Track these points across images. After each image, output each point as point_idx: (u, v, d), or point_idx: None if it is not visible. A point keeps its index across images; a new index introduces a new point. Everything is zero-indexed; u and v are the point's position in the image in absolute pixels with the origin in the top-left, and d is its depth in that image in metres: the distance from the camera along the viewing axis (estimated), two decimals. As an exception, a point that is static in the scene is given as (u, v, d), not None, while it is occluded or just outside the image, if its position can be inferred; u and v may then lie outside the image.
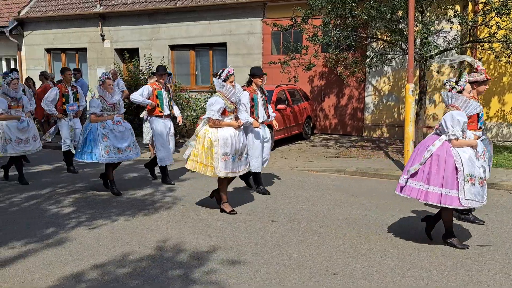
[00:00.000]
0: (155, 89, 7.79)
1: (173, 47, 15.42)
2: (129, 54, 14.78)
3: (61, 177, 8.51)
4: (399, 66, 12.52)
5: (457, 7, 10.46)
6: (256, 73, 7.04)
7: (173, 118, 8.09)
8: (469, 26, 10.05)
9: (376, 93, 13.08)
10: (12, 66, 18.40)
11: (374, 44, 12.04)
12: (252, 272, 4.34)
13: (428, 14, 10.04)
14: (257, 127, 6.82)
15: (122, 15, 15.67)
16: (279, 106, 11.35)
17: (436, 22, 10.23)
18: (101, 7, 15.97)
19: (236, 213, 6.13)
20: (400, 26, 10.01)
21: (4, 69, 18.24)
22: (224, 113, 5.93)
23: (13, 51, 17.87)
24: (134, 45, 15.72)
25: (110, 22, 16.05)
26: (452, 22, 10.10)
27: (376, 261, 4.60)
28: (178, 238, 5.25)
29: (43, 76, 12.61)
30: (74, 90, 8.82)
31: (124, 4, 15.73)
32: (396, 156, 10.03)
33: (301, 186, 7.49)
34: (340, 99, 13.66)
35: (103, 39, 16.21)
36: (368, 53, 11.73)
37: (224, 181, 6.16)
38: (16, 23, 17.15)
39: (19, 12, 17.26)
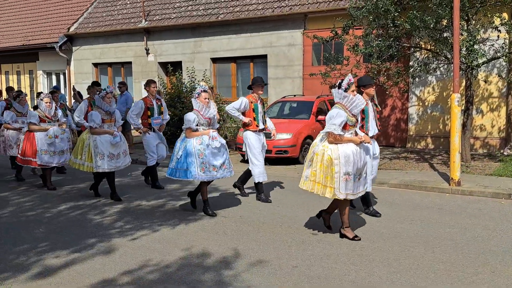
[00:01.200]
0: (252, 102, 7.44)
1: (214, 60, 15.67)
2: (172, 67, 15.13)
3: (105, 188, 8.76)
4: (444, 76, 12.19)
5: (505, 15, 10.12)
6: (366, 82, 6.32)
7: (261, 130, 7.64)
8: (518, 34, 9.70)
9: (420, 104, 12.78)
10: (61, 81, 19.23)
11: (417, 54, 11.80)
12: (293, 286, 4.30)
13: (473, 22, 9.77)
14: (369, 143, 5.90)
15: (166, 29, 16.09)
16: (320, 117, 11.28)
17: (482, 30, 9.92)
18: (146, 22, 16.46)
19: (359, 239, 5.50)
20: (445, 35, 9.77)
21: (55, 83, 19.09)
22: (345, 127, 5.33)
23: (62, 65, 18.68)
24: (177, 58, 16.08)
25: (154, 37, 16.51)
26: (499, 30, 9.78)
27: (422, 277, 4.46)
28: (217, 250, 5.28)
29: (93, 89, 13.04)
30: (159, 103, 8.50)
31: (168, 18, 16.16)
32: (441, 168, 9.73)
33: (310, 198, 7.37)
34: (383, 109, 13.43)
35: (147, 53, 16.68)
36: (411, 63, 11.50)
37: (345, 203, 5.50)
38: (65, 39, 17.94)
39: (68, 29, 18.04)
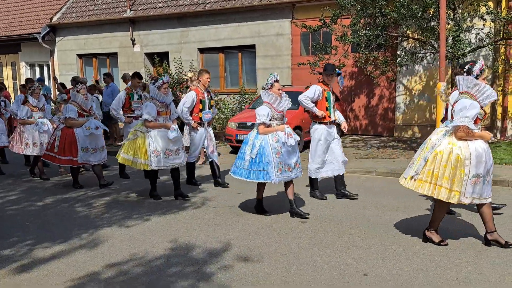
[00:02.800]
0: (325, 90, 6.71)
1: (202, 50, 15.59)
2: (158, 58, 15.02)
3: (93, 180, 8.72)
4: (431, 65, 12.28)
5: (490, 4, 10.19)
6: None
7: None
8: (502, 23, 9.79)
9: (407, 93, 12.87)
10: (45, 72, 18.98)
11: (404, 43, 11.87)
12: (282, 273, 4.34)
13: (460, 11, 9.83)
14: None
15: (152, 19, 15.94)
16: (308, 107, 11.30)
17: (468, 19, 10.00)
18: (131, 12, 16.29)
19: (447, 244, 4.92)
20: (432, 24, 9.83)
21: (38, 75, 18.84)
22: (475, 121, 4.65)
23: (46, 57, 18.42)
24: (164, 49, 15.96)
25: (140, 27, 16.35)
26: (485, 19, 9.86)
27: (407, 262, 4.53)
28: (207, 240, 5.30)
29: (75, 81, 12.89)
30: (209, 96, 7.79)
31: (154, 8, 16.01)
32: (427, 156, 9.83)
33: (331, 187, 7.43)
34: (371, 99, 13.51)
35: (133, 44, 16.53)
36: (398, 52, 11.56)
37: (445, 206, 4.90)
38: (48, 29, 17.67)
39: (51, 19, 17.78)
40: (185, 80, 9.30)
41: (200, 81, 7.66)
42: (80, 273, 4.45)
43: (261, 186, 6.17)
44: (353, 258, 4.65)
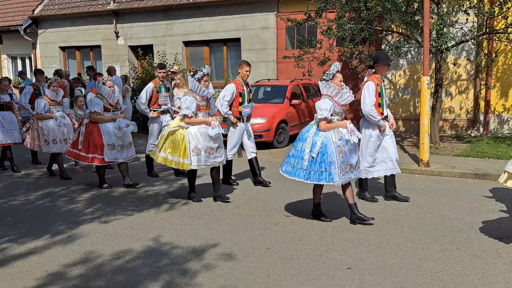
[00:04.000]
0: (377, 85, 6.14)
1: (187, 43, 15.47)
2: (142, 51, 14.86)
3: (76, 175, 8.62)
4: (415, 59, 12.36)
5: (474, -2, 10.26)
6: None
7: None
8: (485, 17, 9.88)
9: (392, 87, 12.94)
10: (27, 65, 18.66)
11: (389, 37, 11.91)
12: (266, 267, 4.34)
13: (444, 5, 9.89)
14: None
15: (136, 11, 15.75)
16: (294, 101, 11.32)
17: (452, 13, 10.07)
18: (115, 4, 16.07)
19: None
20: (416, 18, 9.88)
21: (20, 68, 18.51)
22: None
23: (28, 49, 18.11)
24: (148, 41, 15.79)
25: (124, 19, 16.15)
26: (468, 14, 9.93)
27: (390, 255, 4.56)
28: (191, 234, 5.28)
29: (58, 74, 12.70)
30: (248, 89, 7.31)
31: (138, 0, 15.82)
32: (411, 149, 9.93)
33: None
34: (355, 93, 13.51)
35: (117, 36, 16.32)
36: (383, 46, 11.61)
37: None
38: (30, 21, 17.36)
39: (33, 11, 17.46)
40: (169, 73, 9.11)
41: (240, 73, 7.16)
42: (61, 268, 4.39)
43: (318, 189, 5.57)
44: (337, 252, 4.67)
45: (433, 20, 9.63)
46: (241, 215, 5.93)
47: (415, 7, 9.84)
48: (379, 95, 6.14)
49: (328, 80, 5.45)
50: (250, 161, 7.44)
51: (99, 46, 16.85)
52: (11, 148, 8.83)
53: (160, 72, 7.96)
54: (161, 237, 5.17)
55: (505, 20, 9.61)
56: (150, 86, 7.90)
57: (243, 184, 7.53)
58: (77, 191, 7.30)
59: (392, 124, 6.43)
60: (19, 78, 15.78)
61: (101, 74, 9.77)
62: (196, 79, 6.25)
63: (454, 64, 11.49)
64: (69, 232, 5.39)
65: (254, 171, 7.45)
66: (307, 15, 10.85)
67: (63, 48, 17.66)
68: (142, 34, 15.91)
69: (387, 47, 11.05)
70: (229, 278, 4.13)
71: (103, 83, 7.11)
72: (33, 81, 10.13)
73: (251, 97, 7.34)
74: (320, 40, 11.12)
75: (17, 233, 5.40)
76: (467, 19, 10.26)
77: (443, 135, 11.58)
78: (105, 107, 7.08)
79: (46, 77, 9.31)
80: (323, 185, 5.46)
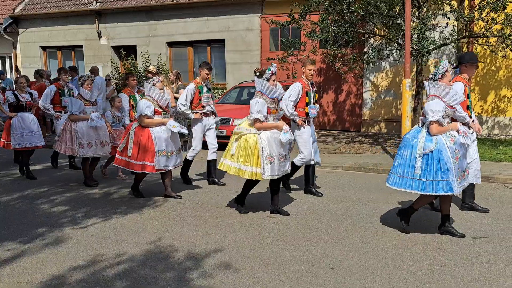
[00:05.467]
0: (466, 87, 5.72)
1: (170, 44, 15.42)
2: (125, 52, 14.76)
3: (55, 176, 8.51)
4: (397, 62, 12.53)
5: (454, 2, 10.46)
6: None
7: None
8: (465, 21, 10.07)
9: (374, 89, 13.10)
10: (7, 65, 18.37)
11: (371, 40, 12.06)
12: (250, 268, 4.35)
13: (425, 9, 10.06)
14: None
15: (119, 11, 15.65)
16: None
17: (433, 17, 10.24)
18: (97, 4, 15.94)
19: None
20: (398, 21, 10.02)
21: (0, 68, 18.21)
22: None
23: (8, 49, 17.84)
24: (131, 42, 15.71)
25: (107, 19, 16.02)
26: (448, 18, 10.12)
27: (373, 255, 4.62)
28: (175, 236, 5.26)
29: (39, 74, 12.54)
30: (314, 88, 6.84)
31: (121, 0, 15.71)
32: (394, 151, 10.05)
33: (299, 181, 7.50)
34: (338, 95, 13.69)
35: (99, 36, 16.18)
36: (366, 49, 11.75)
37: None
38: (10, 20, 17.13)
39: (13, 10, 17.22)
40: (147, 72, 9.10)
41: (304, 72, 6.68)
42: (43, 271, 4.33)
43: (427, 198, 5.13)
44: (320, 252, 4.71)
45: (414, 23, 9.79)
46: (225, 216, 5.93)
47: (397, 10, 9.98)
48: (468, 97, 5.72)
49: (436, 80, 4.99)
50: (306, 168, 6.86)
51: (81, 46, 16.69)
52: (30, 152, 8.25)
53: (208, 74, 7.40)
54: (144, 239, 5.14)
55: (485, 24, 9.81)
56: (191, 86, 7.32)
57: (229, 184, 7.52)
58: (56, 194, 7.20)
59: (478, 130, 5.85)
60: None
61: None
62: (265, 79, 5.70)
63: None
64: (51, 236, 5.31)
65: (308, 179, 6.87)
66: (291, 17, 10.92)
67: (44, 48, 17.44)
68: (125, 35, 15.81)
69: (370, 49, 11.18)
70: (213, 279, 4.13)
71: (153, 84, 6.53)
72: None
73: (316, 98, 6.81)
74: (304, 43, 11.20)
75: (-3, 235, 5.31)
76: (447, 23, 10.45)
77: (424, 137, 11.74)
78: (155, 110, 6.48)
79: (78, 75, 8.97)
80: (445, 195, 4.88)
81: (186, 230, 5.44)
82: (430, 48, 9.78)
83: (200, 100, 7.33)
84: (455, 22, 10.49)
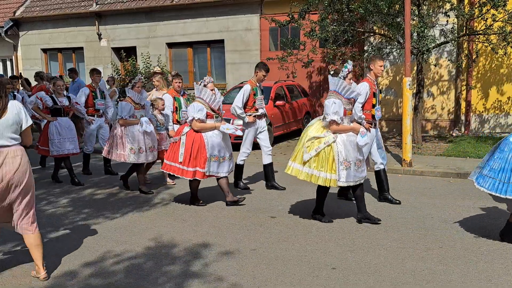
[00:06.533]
0: None
1: (170, 45, 15.41)
2: (125, 53, 14.76)
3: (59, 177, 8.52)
4: (397, 60, 12.50)
5: (454, 0, 10.44)
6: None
7: None
8: (465, 19, 10.04)
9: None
10: (9, 67, 18.38)
11: (371, 39, 12.03)
12: (251, 268, 4.34)
13: (424, 7, 10.03)
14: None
15: (118, 13, 15.65)
16: (278, 103, 11.35)
17: (433, 15, 10.23)
18: (97, 6, 15.94)
19: None
20: (397, 20, 10.00)
21: (1, 71, 18.22)
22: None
23: (9, 51, 17.85)
24: (131, 43, 15.70)
25: (107, 21, 16.02)
26: (448, 15, 10.10)
27: (374, 254, 4.60)
28: (176, 236, 5.25)
29: (39, 76, 12.52)
30: (379, 88, 6.41)
31: (120, 2, 15.71)
32: (394, 149, 10.03)
33: (300, 181, 7.48)
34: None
35: (99, 38, 16.19)
36: (365, 48, 11.72)
37: None
38: (11, 23, 17.13)
39: (14, 12, 17.23)
40: (152, 74, 8.99)
41: (373, 69, 6.11)
42: (49, 273, 4.33)
43: None
44: (322, 252, 4.69)
45: (414, 22, 9.76)
46: (226, 217, 5.92)
47: (397, 9, 9.96)
48: None
49: None
50: (377, 173, 6.36)
51: (81, 48, 16.69)
52: (69, 158, 7.82)
53: (262, 73, 6.96)
54: (146, 239, 5.13)
55: (484, 22, 9.78)
56: (247, 88, 6.92)
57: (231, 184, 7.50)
58: (58, 194, 7.20)
59: None
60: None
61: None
62: (342, 77, 5.32)
63: (436, 65, 11.64)
64: (54, 236, 5.31)
65: (382, 185, 6.40)
66: (290, 16, 10.90)
67: (45, 50, 17.45)
68: (125, 36, 15.80)
69: (370, 48, 11.16)
70: (214, 279, 4.12)
71: (205, 85, 6.10)
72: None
73: (381, 98, 6.31)
74: (304, 42, 11.18)
75: (2, 237, 5.31)
76: (447, 21, 10.42)
77: (426, 135, 11.72)
78: (208, 113, 6.07)
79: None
80: None
81: (188, 230, 5.43)
82: (430, 46, 9.76)
83: (254, 102, 6.98)
84: (455, 20, 10.45)
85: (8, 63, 18.45)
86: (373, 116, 6.07)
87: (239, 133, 6.36)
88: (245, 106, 6.92)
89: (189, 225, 5.64)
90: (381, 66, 6.07)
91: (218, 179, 6.26)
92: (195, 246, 4.92)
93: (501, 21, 9.54)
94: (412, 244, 4.84)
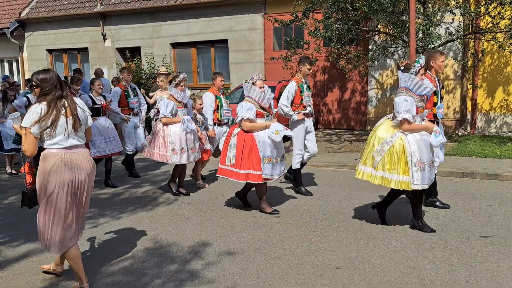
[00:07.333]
0: None
1: (174, 45, 15.43)
2: (130, 53, 14.79)
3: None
4: (402, 59, 12.44)
5: (459, -2, 10.37)
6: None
7: None
8: (471, 17, 9.97)
9: (379, 87, 13.02)
10: (14, 68, 18.48)
11: (376, 37, 11.98)
12: (255, 268, 4.32)
13: (430, 5, 9.98)
14: None
15: (123, 13, 15.69)
16: (282, 102, 11.30)
17: (438, 13, 10.16)
18: (102, 6, 15.98)
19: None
20: (402, 18, 9.95)
21: (7, 72, 18.32)
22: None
23: (14, 52, 17.94)
24: (136, 43, 15.74)
25: (111, 21, 16.07)
26: (454, 13, 10.03)
27: (379, 254, 4.57)
28: (180, 235, 5.25)
29: None
30: (440, 84, 5.92)
31: (125, 2, 15.74)
32: (399, 149, 9.97)
33: (304, 181, 7.46)
34: (343, 93, 13.62)
35: (104, 39, 16.23)
36: (370, 47, 11.67)
37: None
38: (17, 24, 17.22)
39: (20, 13, 17.31)
40: (157, 75, 8.95)
41: (433, 65, 5.69)
42: (50, 272, 4.34)
43: None
44: (326, 251, 4.67)
45: (419, 20, 9.71)
46: (230, 216, 5.91)
47: (402, 7, 9.91)
48: None
49: None
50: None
51: (86, 49, 16.75)
52: (111, 160, 7.69)
53: (306, 68, 6.65)
54: (150, 239, 5.13)
55: (492, 19, 9.71)
56: (293, 85, 6.61)
57: (232, 185, 7.49)
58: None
59: None
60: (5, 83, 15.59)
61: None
62: (414, 73, 4.99)
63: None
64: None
65: (435, 189, 6.05)
66: (294, 16, 10.88)
67: (50, 51, 17.53)
68: (129, 36, 15.84)
69: (374, 47, 11.11)
70: (218, 279, 4.11)
71: (253, 83, 5.82)
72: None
73: (443, 94, 5.77)
74: (308, 41, 11.15)
75: (8, 236, 5.32)
76: (453, 19, 10.35)
77: (431, 134, 11.65)
78: (257, 112, 5.79)
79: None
80: None
81: (192, 230, 5.42)
82: (435, 45, 9.70)
83: (302, 100, 6.61)
84: (461, 18, 10.39)
85: (14, 64, 18.55)
86: (435, 115, 5.68)
87: (290, 133, 5.97)
88: (291, 104, 6.59)
89: (193, 224, 5.63)
90: (442, 61, 5.70)
91: (255, 183, 5.88)
92: (199, 245, 4.91)
93: (507, 18, 9.47)
94: (417, 244, 4.81)
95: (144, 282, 4.11)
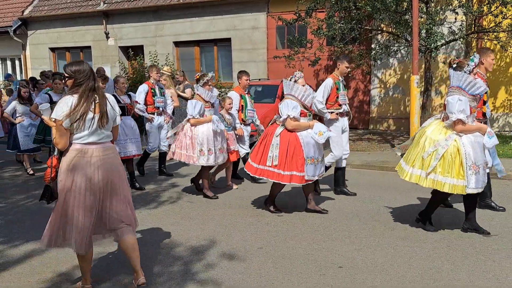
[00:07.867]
0: None
1: (177, 44, 15.45)
2: (133, 52, 14.81)
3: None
4: (405, 58, 12.43)
5: (462, -3, 10.36)
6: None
7: None
8: (474, 16, 9.96)
9: (382, 86, 13.01)
10: (17, 66, 18.52)
11: (379, 37, 11.98)
12: (258, 267, 4.34)
13: (432, 5, 9.97)
14: None
15: (126, 12, 15.70)
16: (284, 101, 11.31)
17: (441, 12, 10.15)
18: (105, 5, 16.00)
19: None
20: (405, 17, 9.94)
21: (10, 70, 18.36)
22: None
23: (17, 51, 17.98)
24: (139, 42, 15.75)
25: (114, 20, 16.08)
26: (457, 13, 10.02)
27: (381, 253, 4.58)
28: (183, 234, 5.26)
29: (44, 75, 12.55)
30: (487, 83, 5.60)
31: (128, 1, 15.76)
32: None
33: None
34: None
35: (107, 37, 16.26)
36: (373, 46, 11.67)
37: None
38: (20, 22, 17.25)
39: (22, 12, 17.34)
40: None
41: (485, 62, 5.42)
42: (53, 269, 4.36)
43: None
44: (328, 250, 4.68)
45: (422, 19, 9.70)
46: (233, 215, 5.92)
47: (405, 6, 9.90)
48: None
49: None
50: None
51: (89, 47, 16.77)
52: (132, 161, 7.32)
53: (344, 65, 6.46)
54: (152, 238, 5.15)
55: (494, 18, 9.69)
56: (330, 81, 6.39)
57: (234, 184, 7.52)
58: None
59: None
60: (7, 81, 15.68)
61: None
62: (467, 72, 4.77)
63: (444, 63, 11.57)
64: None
65: (488, 191, 5.89)
66: (297, 15, 10.88)
67: (53, 49, 17.56)
68: (132, 35, 15.86)
69: (377, 46, 11.11)
70: (220, 277, 4.12)
71: (295, 81, 5.61)
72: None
73: (489, 93, 5.76)
74: (311, 40, 11.15)
75: (9, 235, 5.34)
76: (455, 18, 10.34)
77: (434, 134, 11.65)
78: (301, 111, 5.59)
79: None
80: None
81: (194, 229, 5.43)
82: (439, 44, 9.69)
83: (337, 98, 6.44)
84: (464, 17, 10.37)
85: (17, 62, 18.59)
86: (483, 114, 5.50)
87: (332, 134, 5.84)
88: (326, 101, 6.41)
89: (196, 223, 5.65)
90: (492, 59, 5.48)
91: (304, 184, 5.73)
92: (202, 244, 4.92)
93: (510, 18, 9.46)
94: (419, 243, 4.82)
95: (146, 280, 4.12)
